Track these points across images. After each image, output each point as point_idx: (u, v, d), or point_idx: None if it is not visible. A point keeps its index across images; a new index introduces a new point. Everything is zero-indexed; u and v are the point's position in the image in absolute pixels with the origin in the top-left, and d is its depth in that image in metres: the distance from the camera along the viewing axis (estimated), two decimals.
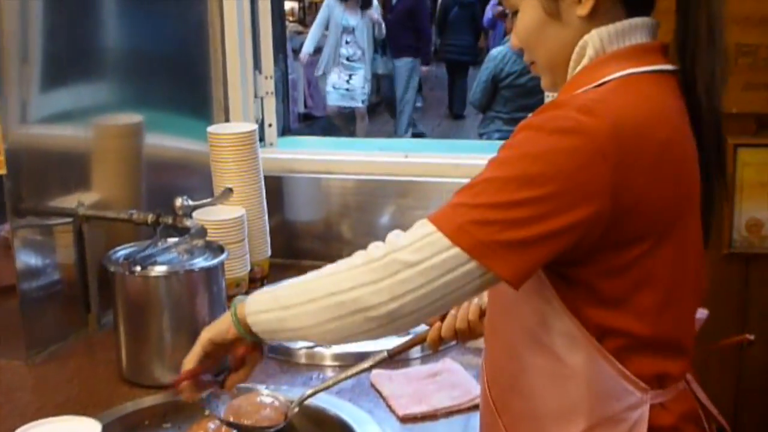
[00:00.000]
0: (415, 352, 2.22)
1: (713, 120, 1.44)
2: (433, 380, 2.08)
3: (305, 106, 11.13)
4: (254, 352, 1.60)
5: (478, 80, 5.78)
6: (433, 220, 1.32)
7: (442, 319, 1.81)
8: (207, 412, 1.95)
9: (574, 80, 1.42)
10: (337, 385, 1.82)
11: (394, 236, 1.37)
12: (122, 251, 2.17)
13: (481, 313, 1.77)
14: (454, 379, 2.08)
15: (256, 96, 3.04)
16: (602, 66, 1.40)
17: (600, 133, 1.28)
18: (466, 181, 2.78)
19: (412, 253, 1.31)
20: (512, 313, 1.49)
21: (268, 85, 3.07)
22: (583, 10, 1.40)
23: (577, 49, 1.42)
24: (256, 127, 2.72)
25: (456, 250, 1.29)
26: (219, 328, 1.56)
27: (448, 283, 1.31)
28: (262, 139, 3.05)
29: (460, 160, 2.89)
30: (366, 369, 1.82)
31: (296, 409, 1.76)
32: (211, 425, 1.86)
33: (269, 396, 1.81)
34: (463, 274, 1.30)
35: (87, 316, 2.39)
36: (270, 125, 3.09)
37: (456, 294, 1.32)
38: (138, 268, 2.04)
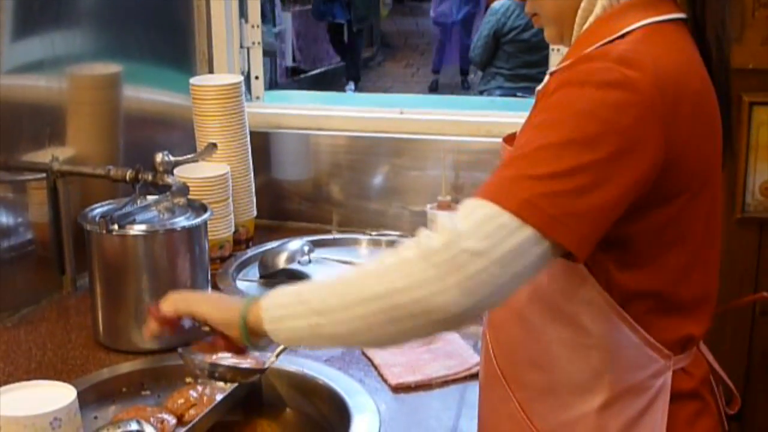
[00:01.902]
0: None
1: (723, 73, 1.45)
2: (428, 349, 2.09)
3: (294, 59, 11.11)
4: (239, 350, 1.52)
5: (478, 35, 5.76)
6: (493, 197, 1.25)
7: None
8: (188, 380, 1.97)
9: (590, 31, 1.43)
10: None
11: (447, 219, 1.28)
12: (99, 209, 2.17)
13: None
14: (449, 349, 2.09)
15: (241, 46, 3.04)
16: (620, 16, 1.40)
17: (645, 84, 1.28)
18: (465, 139, 2.81)
19: (479, 240, 1.23)
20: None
21: (255, 34, 3.06)
22: None
23: None
24: (241, 79, 2.72)
25: (529, 229, 1.23)
26: (221, 318, 1.46)
27: (522, 267, 1.25)
28: (248, 92, 3.05)
29: (459, 116, 2.90)
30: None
31: (274, 359, 1.73)
32: (193, 393, 1.88)
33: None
34: (537, 255, 1.25)
35: (61, 278, 2.40)
36: (257, 77, 3.09)
37: (527, 278, 1.28)
38: (115, 227, 2.05)
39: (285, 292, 1.38)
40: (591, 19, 1.43)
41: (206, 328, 1.50)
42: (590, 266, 1.37)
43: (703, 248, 1.44)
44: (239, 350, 1.50)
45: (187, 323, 1.54)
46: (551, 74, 1.44)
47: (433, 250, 1.24)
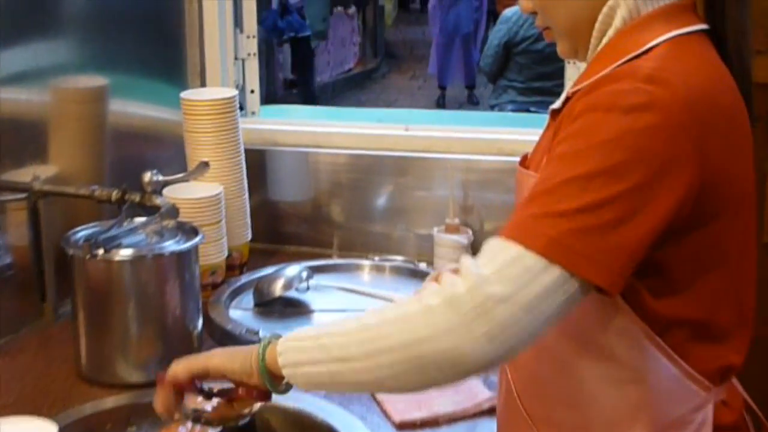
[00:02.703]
0: None
1: (745, 84, 1.46)
2: None
3: (292, 71, 11.14)
4: (263, 396, 1.55)
5: (489, 44, 5.77)
6: (516, 237, 1.28)
7: None
8: (177, 416, 1.96)
9: (611, 46, 1.44)
10: None
11: (470, 263, 1.30)
12: (83, 232, 2.17)
13: None
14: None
15: (236, 58, 3.04)
16: (642, 29, 1.41)
17: (675, 104, 1.29)
18: (475, 157, 2.81)
19: (504, 284, 1.25)
20: None
21: (251, 45, 3.07)
22: None
23: (605, 10, 1.44)
24: (236, 93, 2.72)
25: (556, 269, 1.25)
26: (239, 366, 1.48)
27: (552, 309, 1.27)
28: (242, 107, 3.05)
29: (468, 133, 2.90)
30: None
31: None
32: (182, 430, 1.87)
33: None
34: (566, 295, 1.27)
35: (42, 306, 2.39)
36: (252, 91, 3.09)
37: (558, 319, 1.29)
38: (100, 252, 2.04)
39: (302, 335, 1.42)
40: (610, 32, 1.45)
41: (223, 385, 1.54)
42: (624, 295, 1.37)
43: (740, 271, 1.45)
44: (263, 396, 1.54)
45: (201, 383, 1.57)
46: (572, 94, 1.45)
47: (457, 296, 1.26)
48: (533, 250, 1.26)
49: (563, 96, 1.53)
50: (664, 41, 1.38)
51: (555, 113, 1.53)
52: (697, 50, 1.41)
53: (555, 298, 1.26)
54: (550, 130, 1.52)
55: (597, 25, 1.45)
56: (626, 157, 1.27)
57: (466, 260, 1.30)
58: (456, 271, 1.31)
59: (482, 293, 1.25)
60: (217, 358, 1.53)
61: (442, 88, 11.87)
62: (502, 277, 1.25)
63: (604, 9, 1.44)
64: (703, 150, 1.31)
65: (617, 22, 1.44)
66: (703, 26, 1.44)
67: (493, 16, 10.21)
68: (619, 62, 1.38)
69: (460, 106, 11.42)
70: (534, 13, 1.54)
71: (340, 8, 12.93)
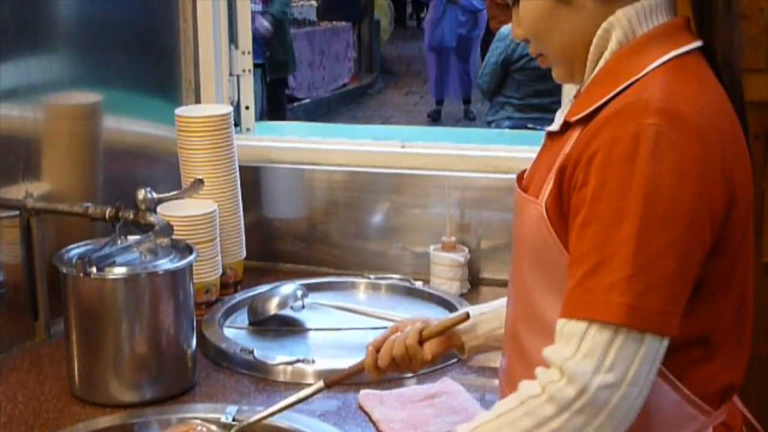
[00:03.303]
0: None
1: (738, 102, 1.48)
2: (431, 403, 2.09)
3: (287, 86, 11.13)
4: None
5: (486, 62, 5.78)
6: (597, 315, 1.33)
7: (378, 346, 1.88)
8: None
9: (608, 70, 1.47)
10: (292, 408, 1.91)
11: (561, 357, 1.35)
12: (75, 250, 2.17)
13: (420, 339, 1.84)
14: (454, 403, 2.09)
15: (231, 74, 3.05)
16: (639, 51, 1.44)
17: (692, 136, 1.34)
18: (471, 175, 2.81)
19: (609, 372, 1.32)
20: (551, 336, 1.50)
21: (246, 61, 3.08)
22: None
23: (600, 32, 1.47)
24: (230, 109, 2.72)
25: (648, 336, 1.33)
26: None
27: (655, 371, 1.35)
28: (237, 123, 3.06)
29: (464, 150, 2.90)
30: (302, 400, 1.89)
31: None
32: None
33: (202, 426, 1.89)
34: (661, 352, 1.35)
35: (34, 324, 2.39)
36: (247, 108, 3.10)
37: (653, 379, 1.36)
38: (93, 270, 2.04)
39: None
40: (606, 54, 1.47)
41: None
42: None
43: (743, 291, 1.49)
44: None
45: None
46: (572, 120, 1.48)
47: (570, 399, 1.33)
48: (622, 324, 1.32)
49: (560, 119, 1.55)
50: (662, 63, 1.41)
51: (552, 135, 1.56)
52: (696, 72, 1.44)
53: (656, 361, 1.34)
54: (549, 152, 1.55)
55: (592, 48, 1.48)
56: (667, 204, 1.32)
57: (556, 355, 1.36)
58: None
59: (592, 387, 1.33)
60: None
61: (438, 103, 11.87)
62: (603, 364, 1.33)
63: (599, 32, 1.47)
64: (724, 174, 1.36)
65: (613, 45, 1.46)
66: (698, 43, 1.46)
67: (489, 32, 10.24)
68: (620, 88, 1.41)
69: (457, 122, 11.41)
70: (527, 41, 1.56)
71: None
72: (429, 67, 11.95)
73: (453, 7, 11.18)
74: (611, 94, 1.42)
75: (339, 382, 1.91)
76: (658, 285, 1.32)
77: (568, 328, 1.35)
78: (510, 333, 1.67)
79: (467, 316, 1.85)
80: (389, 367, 1.86)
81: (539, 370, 1.39)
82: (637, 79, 1.40)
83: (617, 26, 1.45)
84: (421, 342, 1.84)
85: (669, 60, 1.42)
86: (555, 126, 1.56)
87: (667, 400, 1.43)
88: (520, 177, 1.66)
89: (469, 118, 11.60)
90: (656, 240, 1.31)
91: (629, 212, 1.32)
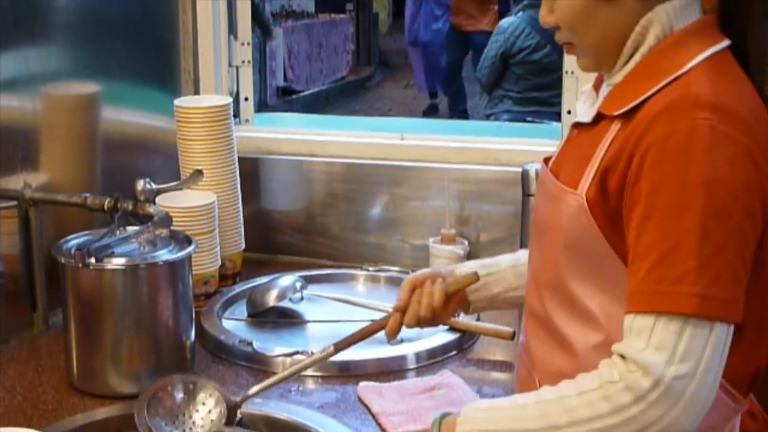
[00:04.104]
0: (410, 362, 2.24)
1: (763, 96, 1.51)
2: (430, 395, 2.09)
3: (285, 78, 11.13)
4: None
5: (485, 55, 5.78)
6: (668, 308, 1.36)
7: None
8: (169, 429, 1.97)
9: (647, 65, 1.50)
10: (293, 377, 1.96)
11: (634, 350, 1.38)
12: (74, 241, 2.17)
13: (446, 299, 1.90)
14: (453, 396, 2.09)
15: (230, 65, 3.05)
16: (678, 47, 1.48)
17: (743, 128, 1.39)
18: (471, 167, 2.81)
19: (682, 362, 1.36)
20: (587, 321, 1.54)
21: (245, 52, 3.07)
22: None
23: (638, 29, 1.50)
24: (230, 100, 2.72)
25: (717, 325, 1.36)
26: None
27: (725, 358, 1.39)
28: (236, 114, 3.05)
29: (464, 143, 2.90)
30: (311, 364, 1.94)
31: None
32: None
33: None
34: (729, 339, 1.39)
35: (32, 315, 2.39)
36: (246, 99, 3.09)
37: (724, 366, 1.40)
38: (92, 261, 2.04)
39: (479, 405, 1.55)
40: (643, 49, 1.51)
41: None
42: None
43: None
44: None
45: None
46: (609, 115, 1.51)
47: (646, 390, 1.36)
48: (691, 314, 1.35)
49: (589, 111, 1.59)
50: (704, 60, 1.46)
51: (581, 126, 1.59)
52: (733, 70, 1.48)
53: (725, 348, 1.38)
54: (579, 143, 1.59)
55: (628, 43, 1.51)
56: (725, 193, 1.36)
57: (628, 348, 1.39)
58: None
59: (667, 378, 1.35)
60: None
61: (432, 95, 11.67)
62: (676, 354, 1.35)
63: (637, 28, 1.50)
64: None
65: (650, 40, 1.50)
66: (728, 42, 1.50)
67: (454, 30, 10.16)
68: (663, 83, 1.44)
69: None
70: (556, 28, 1.58)
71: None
72: (414, 62, 11.75)
73: (428, 1, 10.93)
74: (654, 89, 1.45)
75: (348, 346, 1.92)
76: (723, 273, 1.35)
77: (637, 322, 1.39)
78: (535, 314, 1.68)
79: (477, 277, 1.91)
80: (413, 326, 1.93)
81: (616, 359, 1.41)
82: (680, 75, 1.44)
83: (656, 22, 1.49)
84: (446, 302, 1.91)
85: (708, 57, 1.46)
86: (585, 117, 1.59)
87: None
88: (545, 163, 1.69)
89: (432, 112, 11.39)
90: (718, 229, 1.35)
91: (690, 203, 1.36)
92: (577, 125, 1.63)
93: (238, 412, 1.91)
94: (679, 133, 1.38)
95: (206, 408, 1.89)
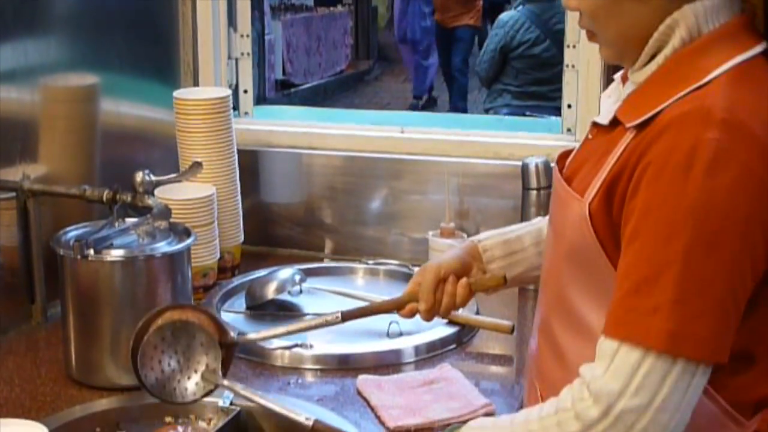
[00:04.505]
0: (409, 356, 2.23)
1: None
2: (429, 389, 2.08)
3: (284, 72, 11.12)
4: None
5: (485, 48, 5.77)
6: (631, 337, 1.30)
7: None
8: (168, 419, 1.96)
9: (669, 70, 1.42)
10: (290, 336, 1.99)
11: (590, 375, 1.34)
12: (73, 232, 2.16)
13: (471, 292, 1.88)
14: (452, 389, 2.08)
15: (229, 57, 3.04)
16: (702, 53, 1.40)
17: (754, 150, 1.30)
18: (471, 161, 2.80)
19: (635, 396, 1.30)
20: (584, 334, 1.50)
21: (244, 44, 3.07)
22: None
23: (662, 28, 1.42)
24: (229, 92, 2.72)
25: (681, 363, 1.29)
26: None
27: (688, 398, 1.31)
28: (235, 107, 3.05)
29: (464, 136, 2.90)
30: (316, 327, 1.96)
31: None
32: None
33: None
34: (699, 380, 1.31)
35: (30, 307, 2.39)
36: (245, 91, 3.09)
37: (696, 402, 1.33)
38: (91, 252, 2.04)
39: (473, 425, 1.54)
40: (667, 51, 1.43)
41: None
42: None
43: None
44: None
45: None
46: (624, 124, 1.43)
47: (594, 420, 1.32)
48: (653, 348, 1.28)
49: (608, 111, 1.52)
50: (728, 69, 1.37)
51: (599, 126, 1.53)
52: (761, 79, 1.38)
53: (690, 389, 1.31)
54: (595, 145, 1.52)
55: (651, 42, 1.44)
56: (718, 224, 1.28)
57: (588, 371, 1.34)
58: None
59: (617, 410, 1.31)
60: None
61: (417, 97, 11.39)
62: (630, 387, 1.30)
63: (661, 27, 1.42)
64: None
65: (675, 42, 1.42)
66: (763, 46, 1.42)
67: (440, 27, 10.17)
68: (680, 94, 1.37)
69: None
70: (579, 11, 1.52)
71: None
72: (405, 59, 11.70)
73: None
74: (670, 101, 1.38)
75: (356, 317, 1.91)
76: (705, 310, 1.28)
77: (603, 345, 1.34)
78: (543, 322, 1.66)
79: (505, 282, 1.86)
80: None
81: (575, 383, 1.38)
82: (700, 86, 1.37)
83: (682, 23, 1.41)
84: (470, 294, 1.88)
85: (735, 65, 1.38)
86: (603, 119, 1.52)
87: (704, 411, 1.40)
88: (562, 159, 1.63)
89: (428, 107, 11.17)
90: (706, 262, 1.28)
91: (679, 230, 1.29)
92: (596, 125, 1.56)
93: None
94: (681, 151, 1.31)
95: (202, 347, 1.90)
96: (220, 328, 1.92)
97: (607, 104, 1.56)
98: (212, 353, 1.90)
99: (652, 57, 1.45)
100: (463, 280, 1.86)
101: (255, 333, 2.03)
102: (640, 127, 1.41)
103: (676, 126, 1.33)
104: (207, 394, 1.91)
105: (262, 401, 1.87)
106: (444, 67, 10.52)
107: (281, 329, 1.96)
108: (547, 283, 1.65)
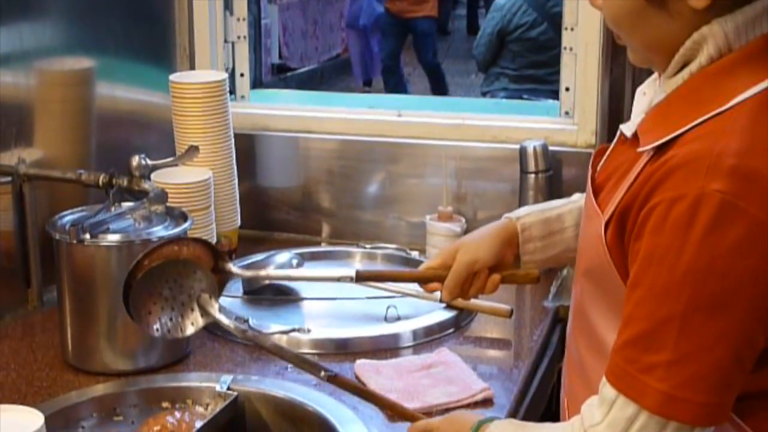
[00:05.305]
0: (407, 340, 2.23)
1: None
2: (427, 373, 2.08)
3: (280, 55, 11.09)
4: None
5: (482, 32, 5.76)
6: (629, 394, 1.27)
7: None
8: (165, 404, 1.96)
9: (693, 89, 1.34)
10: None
11: (590, 423, 1.32)
12: (69, 216, 2.15)
13: (498, 286, 1.82)
14: (451, 373, 2.08)
15: (226, 41, 3.03)
16: (729, 73, 1.31)
17: (764, 203, 1.21)
18: (468, 144, 2.80)
19: None
20: (603, 353, 1.43)
21: (241, 28, 3.05)
22: (701, 2, 1.30)
23: (689, 44, 1.34)
24: (225, 76, 2.71)
25: (673, 425, 1.25)
26: None
27: None
28: (232, 91, 3.03)
29: (460, 120, 2.88)
30: (325, 279, 1.92)
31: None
32: (170, 419, 1.87)
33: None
34: None
35: (26, 292, 2.38)
36: (242, 75, 3.08)
37: None
38: (87, 237, 2.03)
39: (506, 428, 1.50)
40: (693, 67, 1.34)
41: None
42: None
43: None
44: None
45: None
46: (644, 134, 1.37)
47: None
48: (646, 408, 1.26)
49: (634, 121, 1.44)
50: (754, 95, 1.29)
51: (625, 139, 1.46)
52: None
53: None
54: (622, 155, 1.46)
55: (677, 57, 1.35)
56: (720, 286, 1.22)
57: (588, 416, 1.34)
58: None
59: None
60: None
61: (366, 84, 11.06)
62: None
63: (687, 43, 1.34)
64: None
65: (702, 59, 1.33)
66: None
67: (392, 17, 9.74)
68: (700, 120, 1.29)
69: None
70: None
71: None
72: (350, 47, 11.22)
73: None
74: (688, 126, 1.30)
75: (371, 279, 1.87)
76: (703, 375, 1.23)
77: (604, 390, 1.31)
78: (569, 330, 1.63)
79: (538, 280, 1.82)
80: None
81: (576, 423, 1.36)
82: (721, 112, 1.28)
83: (710, 40, 1.32)
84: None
85: (760, 93, 1.29)
86: (628, 130, 1.44)
87: None
88: (597, 158, 1.56)
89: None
90: (706, 325, 1.22)
91: (676, 291, 1.23)
92: (623, 137, 1.48)
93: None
94: (685, 202, 1.22)
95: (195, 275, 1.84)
96: (214, 255, 1.84)
97: (641, 104, 1.48)
98: (206, 282, 1.83)
99: (684, 65, 1.36)
100: (495, 276, 1.79)
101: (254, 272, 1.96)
102: (656, 148, 1.33)
103: (684, 171, 1.25)
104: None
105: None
106: (388, 59, 10.01)
107: (283, 272, 1.88)
108: (574, 288, 1.60)
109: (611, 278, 1.39)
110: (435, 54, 10.08)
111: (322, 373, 1.72)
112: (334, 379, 1.72)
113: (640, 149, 1.36)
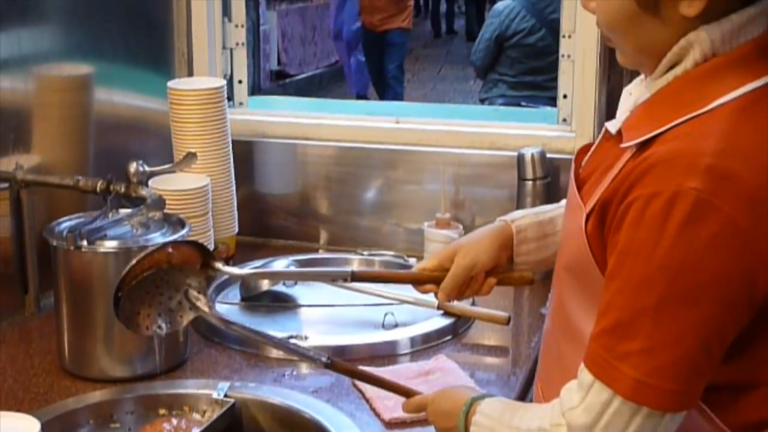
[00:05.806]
0: (404, 347, 2.22)
1: None
2: (425, 380, 2.07)
3: (279, 62, 11.10)
4: None
5: (480, 38, 5.76)
6: (604, 379, 1.31)
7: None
8: (162, 411, 1.96)
9: (675, 91, 1.38)
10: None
11: (569, 406, 1.36)
12: (66, 223, 2.15)
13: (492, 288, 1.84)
14: (449, 380, 2.07)
15: (224, 47, 3.03)
16: (712, 77, 1.35)
17: (740, 202, 1.25)
18: (466, 151, 2.80)
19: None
20: (580, 345, 1.45)
21: (239, 34, 3.05)
22: (691, 10, 1.34)
23: (676, 49, 1.38)
24: (224, 83, 2.71)
25: (645, 410, 1.29)
26: (446, 425, 1.60)
27: None
28: (230, 97, 3.04)
29: (458, 127, 2.89)
30: (323, 275, 1.97)
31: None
32: (167, 426, 1.87)
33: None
34: (664, 427, 1.31)
35: (23, 298, 2.38)
36: (240, 81, 3.08)
37: None
38: (84, 243, 2.03)
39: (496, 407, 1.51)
40: (678, 71, 1.38)
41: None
42: None
43: None
44: None
45: None
46: (627, 132, 1.40)
47: None
48: (620, 393, 1.29)
49: (619, 118, 1.48)
50: (734, 100, 1.32)
51: (609, 135, 1.49)
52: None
53: (655, 430, 1.31)
54: (606, 151, 1.49)
55: (664, 61, 1.39)
56: (692, 280, 1.26)
57: (567, 399, 1.37)
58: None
59: None
60: (430, 414, 1.66)
61: (361, 97, 10.58)
62: (601, 424, 1.32)
63: (674, 48, 1.37)
64: (764, 247, 1.26)
65: (687, 64, 1.37)
66: None
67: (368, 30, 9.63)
68: (680, 120, 1.33)
69: None
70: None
71: None
72: (342, 58, 11.09)
73: None
74: (669, 125, 1.33)
75: (367, 279, 1.87)
76: (675, 363, 1.27)
77: (582, 374, 1.35)
78: (548, 319, 1.65)
79: (533, 282, 1.86)
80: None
81: (556, 405, 1.39)
82: (702, 113, 1.32)
83: (697, 46, 1.35)
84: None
85: (742, 96, 1.32)
86: (612, 127, 1.47)
87: (697, 429, 1.38)
88: (580, 155, 1.59)
89: None
90: (679, 316, 1.26)
91: (651, 284, 1.27)
92: (608, 133, 1.51)
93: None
94: (661, 198, 1.26)
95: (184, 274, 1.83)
96: (203, 253, 1.83)
97: (626, 103, 1.51)
98: (195, 279, 1.83)
99: (670, 68, 1.40)
100: (491, 279, 1.82)
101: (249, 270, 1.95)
102: (639, 145, 1.37)
103: (663, 167, 1.29)
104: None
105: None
106: (374, 75, 9.96)
107: (273, 270, 1.87)
108: (554, 282, 1.62)
109: (590, 269, 1.43)
110: (399, 67, 9.88)
111: (324, 359, 1.73)
112: (332, 365, 1.74)
113: (623, 145, 1.40)
